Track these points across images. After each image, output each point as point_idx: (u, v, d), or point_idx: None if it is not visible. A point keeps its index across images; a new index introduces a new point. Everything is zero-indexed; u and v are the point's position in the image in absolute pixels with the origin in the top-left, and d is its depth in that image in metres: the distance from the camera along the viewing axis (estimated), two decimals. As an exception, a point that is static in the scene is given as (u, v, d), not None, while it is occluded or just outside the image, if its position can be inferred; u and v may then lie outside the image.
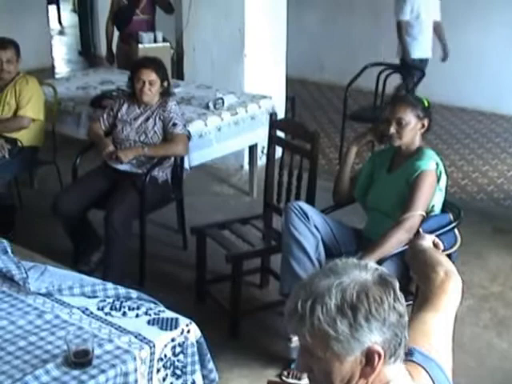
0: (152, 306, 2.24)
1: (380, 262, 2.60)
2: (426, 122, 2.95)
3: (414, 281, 1.91)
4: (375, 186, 3.09)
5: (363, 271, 1.27)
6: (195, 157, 4.11)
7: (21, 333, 2.07)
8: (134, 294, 2.28)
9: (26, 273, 2.35)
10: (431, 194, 2.87)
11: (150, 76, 3.66)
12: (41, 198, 4.61)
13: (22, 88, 4.11)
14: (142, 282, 3.68)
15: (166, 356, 2.11)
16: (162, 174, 3.76)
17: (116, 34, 6.05)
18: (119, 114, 3.78)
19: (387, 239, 2.76)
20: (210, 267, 3.58)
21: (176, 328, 2.13)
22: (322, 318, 1.21)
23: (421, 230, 2.59)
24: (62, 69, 9.21)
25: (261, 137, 4.65)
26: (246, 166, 5.16)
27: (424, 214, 2.83)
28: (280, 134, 3.74)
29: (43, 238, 3.97)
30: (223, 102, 4.40)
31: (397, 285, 1.28)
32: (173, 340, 2.11)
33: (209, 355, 2.25)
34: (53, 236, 3.98)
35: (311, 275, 1.32)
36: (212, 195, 4.95)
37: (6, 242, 2.61)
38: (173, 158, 3.80)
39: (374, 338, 1.22)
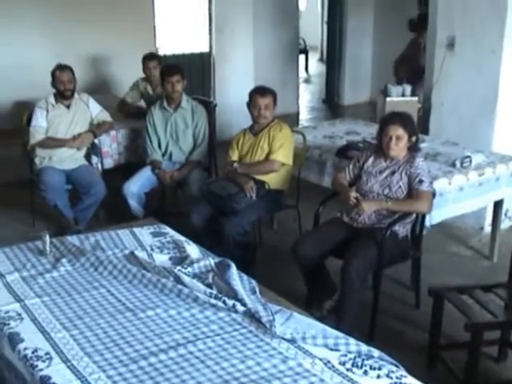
0: (394, 368, 2.18)
1: None
2: None
3: None
4: None
5: None
6: (433, 215, 3.99)
7: (265, 375, 2.13)
8: (375, 352, 2.25)
9: (272, 316, 2.43)
10: None
11: (397, 131, 3.65)
12: (279, 239, 4.82)
13: (276, 134, 4.33)
14: (371, 335, 3.63)
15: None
16: (403, 229, 3.72)
17: None
18: (365, 166, 3.82)
19: None
20: (444, 331, 3.43)
21: (417, 396, 2.06)
22: None
23: None
24: (305, 115, 9.57)
25: (504, 198, 4.45)
26: (487, 228, 4.91)
27: None
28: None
29: (279, 277, 4.10)
30: (471, 161, 4.23)
31: None
32: (413, 408, 2.03)
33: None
34: (288, 276, 4.10)
35: None
36: (448, 255, 4.77)
37: (254, 283, 2.73)
38: (414, 215, 3.74)
39: None
